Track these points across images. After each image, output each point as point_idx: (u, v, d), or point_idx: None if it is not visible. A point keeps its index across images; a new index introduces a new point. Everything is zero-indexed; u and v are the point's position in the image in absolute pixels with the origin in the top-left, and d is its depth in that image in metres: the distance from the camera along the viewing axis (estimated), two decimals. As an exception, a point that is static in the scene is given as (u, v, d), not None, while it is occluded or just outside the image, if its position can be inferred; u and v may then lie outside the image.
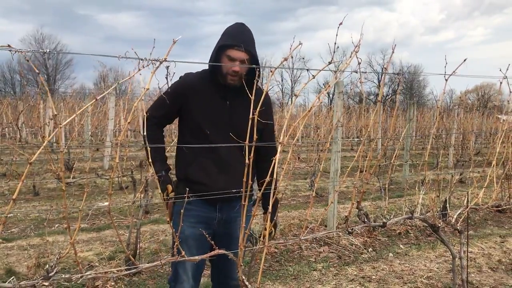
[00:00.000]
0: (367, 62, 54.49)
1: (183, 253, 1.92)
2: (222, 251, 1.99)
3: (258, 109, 2.06)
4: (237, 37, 2.30)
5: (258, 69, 2.29)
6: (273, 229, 2.32)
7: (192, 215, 2.00)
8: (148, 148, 2.30)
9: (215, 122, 2.34)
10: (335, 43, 1.96)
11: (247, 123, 2.29)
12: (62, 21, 76.55)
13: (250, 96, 2.29)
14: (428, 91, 55.22)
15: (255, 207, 2.23)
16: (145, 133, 2.07)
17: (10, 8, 73.98)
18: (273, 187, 1.95)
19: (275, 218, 2.29)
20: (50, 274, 1.66)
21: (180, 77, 2.42)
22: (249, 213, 2.48)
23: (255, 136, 1.98)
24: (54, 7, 76.21)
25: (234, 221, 2.43)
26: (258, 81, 2.34)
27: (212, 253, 1.96)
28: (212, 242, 1.97)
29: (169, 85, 2.31)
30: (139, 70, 1.78)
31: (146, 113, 2.28)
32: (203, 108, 2.33)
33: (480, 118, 19.77)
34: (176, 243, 1.86)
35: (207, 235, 2.31)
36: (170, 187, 2.31)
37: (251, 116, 1.97)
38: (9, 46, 1.58)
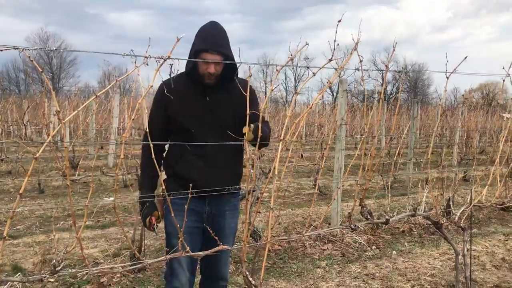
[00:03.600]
0: (371, 61, 54.37)
1: (188, 248, 1.94)
2: (226, 247, 2.01)
3: (240, 99, 2.14)
4: (210, 41, 2.34)
5: (235, 66, 2.40)
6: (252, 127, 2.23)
7: (183, 209, 2.03)
8: (141, 171, 2.45)
9: (198, 119, 2.42)
10: (335, 41, 1.97)
11: (229, 115, 2.46)
12: (73, 20, 77.04)
13: (228, 89, 2.46)
14: (432, 90, 55.08)
15: (258, 204, 2.25)
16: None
17: (21, 7, 74.36)
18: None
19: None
20: (57, 269, 1.69)
21: (161, 83, 2.47)
22: (237, 207, 2.60)
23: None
24: (64, 7, 76.67)
25: (223, 216, 2.52)
26: (237, 75, 2.48)
27: (216, 248, 1.98)
28: (221, 238, 1.99)
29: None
30: (137, 67, 1.79)
31: (145, 132, 2.38)
32: (184, 107, 2.41)
33: (485, 116, 19.71)
34: (180, 239, 1.88)
35: (198, 228, 2.42)
36: (157, 213, 2.42)
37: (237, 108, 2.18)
38: (14, 47, 1.61)
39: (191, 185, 2.03)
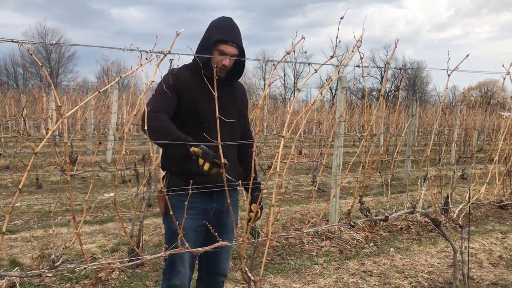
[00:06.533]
0: (370, 58, 54.33)
1: (187, 245, 1.94)
2: (226, 243, 2.01)
3: (242, 101, 2.38)
4: (230, 33, 2.37)
5: (244, 64, 2.44)
6: (259, 210, 2.35)
7: (191, 207, 2.02)
8: (169, 131, 2.17)
9: (210, 114, 2.31)
10: (337, 37, 1.97)
11: (233, 113, 2.48)
12: (75, 15, 76.59)
13: (232, 87, 2.51)
14: (431, 88, 55.14)
15: (258, 201, 2.25)
16: (148, 127, 1.96)
17: (23, 1, 73.73)
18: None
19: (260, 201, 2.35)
20: (56, 264, 1.68)
21: (171, 72, 2.40)
22: (237, 202, 2.62)
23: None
24: (67, 1, 76.10)
25: (227, 211, 2.49)
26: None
27: (216, 244, 1.98)
28: (216, 234, 1.99)
29: (162, 81, 2.34)
30: (141, 65, 1.78)
31: (147, 107, 2.15)
32: (200, 101, 2.37)
33: (483, 114, 19.74)
34: (180, 235, 1.88)
35: (203, 226, 2.37)
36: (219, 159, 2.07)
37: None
38: (13, 40, 1.60)
39: (191, 181, 1.99)
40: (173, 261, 2.40)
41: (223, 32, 2.35)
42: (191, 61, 2.46)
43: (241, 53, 2.43)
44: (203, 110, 2.38)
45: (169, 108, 2.30)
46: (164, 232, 2.55)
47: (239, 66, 2.46)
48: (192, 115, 2.37)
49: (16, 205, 1.53)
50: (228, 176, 2.03)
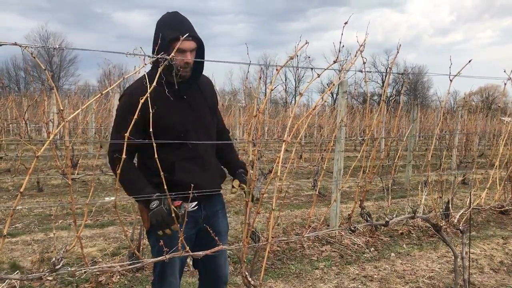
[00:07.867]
0: (371, 63, 54.43)
1: (187, 248, 1.94)
2: (226, 247, 2.01)
3: (211, 96, 2.36)
4: (182, 27, 2.18)
5: (203, 56, 2.31)
6: (245, 186, 2.34)
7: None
8: (129, 183, 2.16)
9: (184, 122, 2.30)
10: (340, 42, 1.98)
11: (206, 112, 2.42)
12: (79, 19, 76.78)
13: (198, 85, 2.39)
14: (432, 92, 55.21)
15: (258, 205, 2.25)
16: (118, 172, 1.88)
17: (29, 5, 73.94)
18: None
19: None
20: (57, 267, 1.68)
21: (126, 93, 2.26)
22: (224, 206, 2.60)
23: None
24: (72, 5, 76.27)
25: (217, 216, 2.49)
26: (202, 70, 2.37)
27: (216, 248, 1.98)
28: (217, 239, 1.99)
29: (119, 107, 2.23)
30: (145, 65, 1.78)
31: (110, 151, 2.04)
32: (167, 115, 2.22)
33: (484, 119, 19.72)
34: (181, 238, 1.88)
35: (193, 234, 2.36)
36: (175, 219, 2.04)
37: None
38: (16, 43, 1.60)
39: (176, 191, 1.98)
40: (163, 272, 2.34)
41: (174, 29, 2.15)
42: (150, 71, 2.22)
43: (200, 44, 2.27)
44: (174, 123, 2.26)
45: (140, 137, 1.97)
46: (151, 246, 2.41)
47: (198, 62, 2.30)
48: (164, 130, 2.20)
49: (17, 208, 1.54)
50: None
